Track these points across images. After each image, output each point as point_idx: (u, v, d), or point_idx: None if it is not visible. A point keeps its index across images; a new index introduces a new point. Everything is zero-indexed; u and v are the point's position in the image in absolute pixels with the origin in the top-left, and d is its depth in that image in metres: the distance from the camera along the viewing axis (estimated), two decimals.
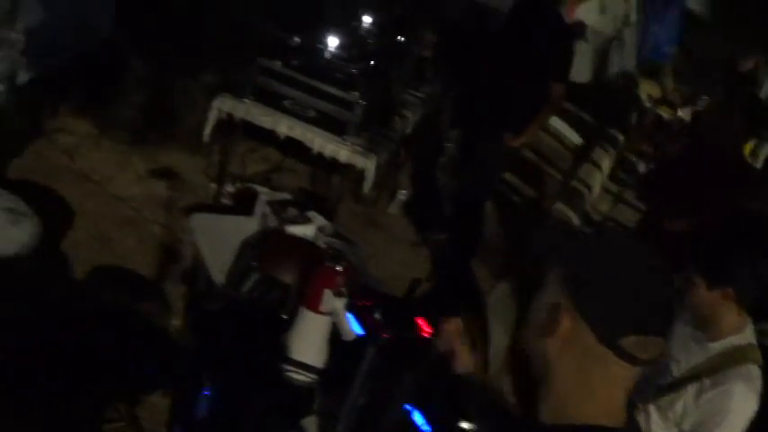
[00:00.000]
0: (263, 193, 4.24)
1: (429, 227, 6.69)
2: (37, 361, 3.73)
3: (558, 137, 8.84)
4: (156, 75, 6.51)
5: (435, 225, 6.61)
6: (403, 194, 6.91)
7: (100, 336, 4.16)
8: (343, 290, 3.08)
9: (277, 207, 4.09)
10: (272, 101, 5.40)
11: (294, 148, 5.73)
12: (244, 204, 5.66)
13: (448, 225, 6.46)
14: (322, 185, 6.46)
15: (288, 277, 3.50)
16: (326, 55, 5.42)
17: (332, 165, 5.73)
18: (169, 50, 6.68)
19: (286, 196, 4.38)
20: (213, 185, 5.93)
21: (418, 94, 6.47)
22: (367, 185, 5.48)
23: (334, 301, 3.05)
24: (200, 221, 4.23)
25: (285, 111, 5.39)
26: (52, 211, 4.72)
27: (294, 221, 3.99)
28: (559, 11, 5.87)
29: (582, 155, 8.77)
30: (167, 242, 5.41)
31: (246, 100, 5.40)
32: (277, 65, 5.36)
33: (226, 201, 5.79)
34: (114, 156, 6.01)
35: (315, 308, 3.06)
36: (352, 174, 5.66)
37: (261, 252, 3.66)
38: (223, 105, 5.47)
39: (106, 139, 6.10)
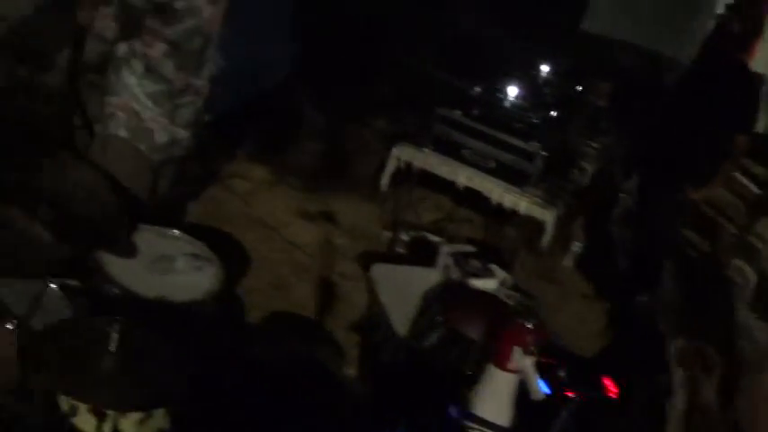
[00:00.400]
0: (444, 245, 4.19)
1: (603, 281, 6.50)
2: (215, 407, 3.73)
3: (733, 188, 8.51)
4: (330, 121, 6.56)
5: (615, 280, 6.43)
6: (577, 246, 6.75)
7: (275, 382, 4.15)
8: (533, 348, 2.99)
9: (459, 259, 4.03)
10: (451, 150, 5.35)
11: (467, 196, 5.66)
12: (417, 253, 5.64)
13: (629, 281, 6.26)
14: (494, 236, 6.36)
15: (473, 332, 3.42)
16: (506, 104, 5.35)
17: (506, 215, 5.64)
18: (343, 97, 6.73)
19: (468, 248, 4.30)
20: (387, 233, 5.90)
21: (594, 145, 6.33)
22: (546, 238, 5.37)
23: (523, 360, 2.96)
24: (381, 271, 4.19)
25: (464, 161, 5.34)
26: (228, 256, 4.75)
27: (477, 274, 3.92)
28: (745, 59, 5.66)
29: (759, 208, 8.41)
30: (342, 289, 5.39)
31: (426, 149, 5.36)
32: (457, 114, 5.32)
33: (399, 249, 5.75)
34: (289, 202, 6.04)
35: (503, 366, 2.98)
36: (529, 225, 5.55)
37: (445, 305, 3.59)
38: (402, 154, 5.46)
39: (281, 185, 6.15)
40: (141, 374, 2.85)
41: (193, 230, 4.21)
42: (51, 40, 6.59)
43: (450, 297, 3.70)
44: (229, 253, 4.86)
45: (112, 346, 2.81)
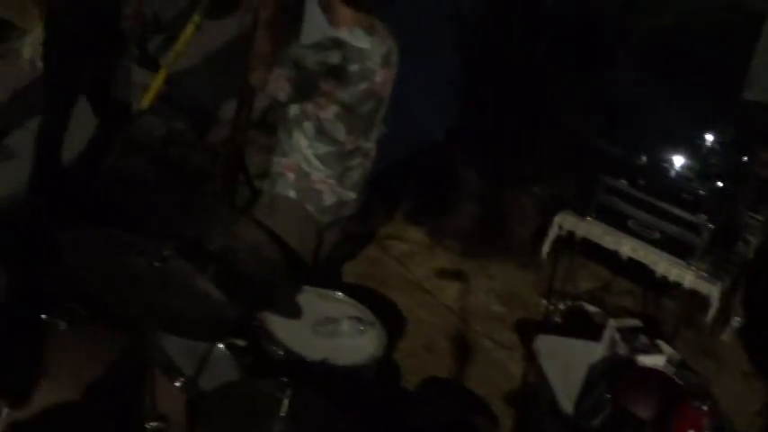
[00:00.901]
0: (611, 319, 4.07)
1: (765, 358, 6.23)
2: None
3: None
4: (488, 185, 6.52)
5: None
6: (737, 321, 6.49)
7: None
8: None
9: (627, 334, 3.90)
10: (615, 220, 5.23)
11: (626, 266, 5.52)
12: (573, 323, 5.51)
13: None
14: (653, 308, 6.17)
15: (644, 412, 3.30)
16: (671, 174, 5.21)
17: (665, 287, 5.47)
18: (501, 161, 6.68)
19: (634, 323, 4.17)
20: (543, 301, 5.79)
21: (759, 217, 6.10)
22: (711, 313, 5.17)
23: None
24: (546, 343, 4.10)
25: (629, 231, 5.20)
26: (385, 319, 4.72)
27: (645, 351, 3.79)
28: None
29: None
30: (496, 357, 5.30)
31: (589, 218, 5.26)
32: (622, 183, 5.20)
33: (555, 318, 5.63)
34: (446, 265, 5.99)
35: None
36: (691, 299, 5.37)
37: (614, 383, 3.47)
38: (564, 222, 5.37)
39: (438, 249, 6.11)
40: None
41: (350, 291, 4.21)
42: (217, 97, 6.79)
43: (618, 374, 3.58)
44: (385, 315, 4.85)
45: (283, 411, 2.79)
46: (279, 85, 3.83)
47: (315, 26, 5.51)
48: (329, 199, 4.08)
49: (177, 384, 3.16)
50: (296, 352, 3.61)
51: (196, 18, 5.27)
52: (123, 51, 5.32)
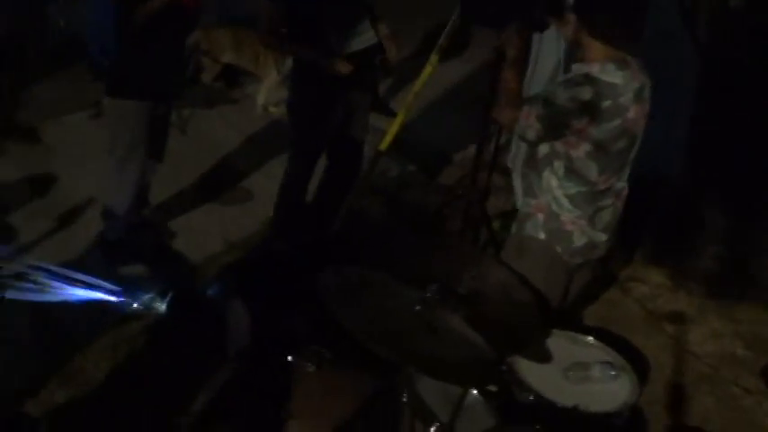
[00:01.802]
0: None
1: None
2: None
3: None
4: (732, 224, 6.23)
5: None
6: None
7: None
8: None
9: None
10: None
11: None
12: None
13: None
14: None
15: None
16: None
17: None
18: (746, 199, 6.38)
19: None
20: None
21: None
22: None
23: None
24: None
25: None
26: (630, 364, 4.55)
27: None
28: None
29: None
30: (744, 404, 5.03)
31: None
32: None
33: None
34: (688, 308, 5.74)
35: None
36: None
37: None
38: None
39: (681, 291, 5.87)
40: None
41: (593, 335, 4.07)
42: (448, 138, 6.80)
43: None
44: (630, 360, 4.67)
45: None
46: (528, 123, 3.76)
47: (544, 64, 5.48)
48: (579, 240, 3.96)
49: (432, 430, 3.12)
50: (547, 398, 3.51)
51: (434, 59, 5.26)
52: (362, 97, 5.38)
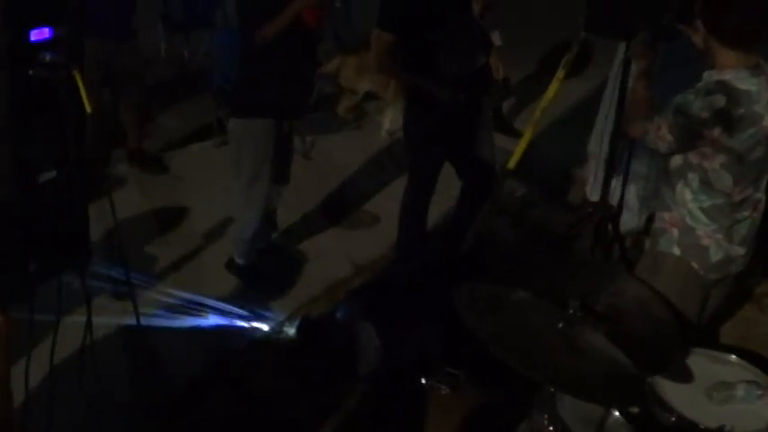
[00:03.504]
0: None
1: None
2: None
3: None
4: None
5: None
6: None
7: None
8: None
9: None
10: None
11: None
12: None
13: None
14: None
15: None
16: None
17: None
18: None
19: None
20: None
21: None
22: None
23: None
24: None
25: None
26: None
27: None
28: None
29: None
30: None
31: None
32: None
33: None
34: None
35: None
36: None
37: None
38: None
39: None
40: None
41: (735, 352, 3.92)
42: (573, 156, 6.69)
43: None
44: None
45: None
46: (660, 134, 3.66)
47: None
48: (716, 255, 3.82)
49: None
50: (690, 418, 3.37)
51: (560, 74, 5.18)
52: (480, 117, 5.35)
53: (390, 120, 7.47)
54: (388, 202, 6.29)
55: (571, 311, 2.79)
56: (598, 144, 5.85)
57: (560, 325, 2.78)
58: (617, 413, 3.27)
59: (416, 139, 5.33)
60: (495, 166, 5.51)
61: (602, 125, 5.71)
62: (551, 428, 3.11)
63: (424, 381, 3.52)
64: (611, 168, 4.87)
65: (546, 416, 3.15)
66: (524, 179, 6.53)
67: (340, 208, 6.32)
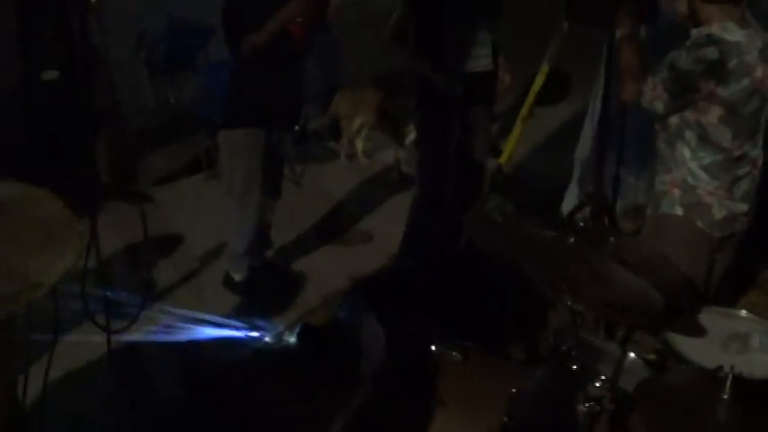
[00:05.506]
0: None
1: None
2: None
3: None
4: None
5: None
6: None
7: None
8: None
9: None
10: None
11: None
12: None
13: None
14: None
15: None
16: None
17: None
18: None
19: None
20: None
21: None
22: None
23: None
24: None
25: None
26: None
27: None
28: None
29: None
30: None
31: None
32: None
33: None
34: None
35: None
36: None
37: None
38: None
39: None
40: None
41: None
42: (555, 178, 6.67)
43: None
44: None
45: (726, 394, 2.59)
46: (655, 94, 3.67)
47: None
48: (719, 213, 3.82)
49: (597, 384, 3.00)
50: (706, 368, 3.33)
51: (544, 68, 5.23)
52: (481, 115, 5.37)
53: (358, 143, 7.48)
54: (380, 223, 6.28)
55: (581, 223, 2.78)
56: (584, 149, 5.88)
57: (571, 240, 2.78)
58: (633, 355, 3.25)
59: (425, 134, 5.43)
60: (485, 164, 5.52)
61: (588, 130, 5.77)
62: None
63: (434, 348, 3.47)
64: (603, 158, 4.86)
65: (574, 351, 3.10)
66: (513, 196, 6.52)
67: (333, 228, 6.28)
